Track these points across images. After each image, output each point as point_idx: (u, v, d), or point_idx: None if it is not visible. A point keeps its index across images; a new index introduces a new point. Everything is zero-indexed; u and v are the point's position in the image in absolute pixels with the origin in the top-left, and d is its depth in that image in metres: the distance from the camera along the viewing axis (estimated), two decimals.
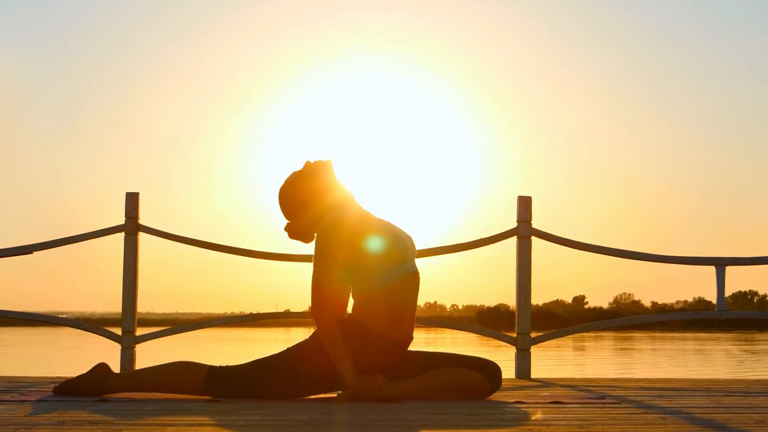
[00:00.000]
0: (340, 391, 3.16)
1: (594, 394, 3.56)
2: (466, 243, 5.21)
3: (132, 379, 3.27)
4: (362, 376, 3.10)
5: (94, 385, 3.22)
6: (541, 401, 3.19)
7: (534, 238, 5.07)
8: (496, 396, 3.35)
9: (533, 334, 5.06)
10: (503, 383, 4.10)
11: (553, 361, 16.56)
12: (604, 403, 3.14)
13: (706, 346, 27.08)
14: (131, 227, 4.99)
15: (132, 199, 5.04)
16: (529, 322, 5.04)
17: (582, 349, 24.79)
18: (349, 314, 3.26)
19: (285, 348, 3.26)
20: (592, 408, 2.97)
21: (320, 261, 3.17)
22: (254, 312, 5.30)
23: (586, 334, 40.14)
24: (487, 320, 54.94)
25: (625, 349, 24.57)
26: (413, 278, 3.27)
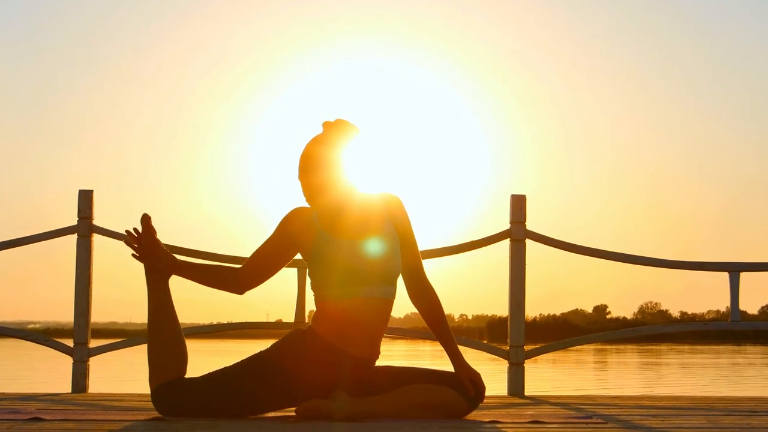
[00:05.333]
0: (296, 408, 3.15)
1: (582, 413, 3.56)
2: (455, 246, 5.21)
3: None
4: None
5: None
6: (520, 421, 3.19)
7: (529, 241, 5.06)
8: (474, 415, 3.35)
9: (530, 347, 5.04)
10: (490, 401, 4.10)
11: (566, 376, 16.55)
12: (588, 423, 3.14)
13: (734, 360, 27.04)
14: (84, 228, 4.99)
15: (85, 198, 5.03)
16: (523, 333, 5.01)
17: (604, 362, 24.76)
18: (309, 325, 3.27)
19: (239, 360, 3.26)
20: (574, 428, 2.96)
21: (272, 239, 3.32)
22: (246, 321, 5.20)
23: (607, 346, 40.29)
24: (498, 331, 54.93)
25: (646, 362, 24.53)
26: (368, 302, 3.24)
